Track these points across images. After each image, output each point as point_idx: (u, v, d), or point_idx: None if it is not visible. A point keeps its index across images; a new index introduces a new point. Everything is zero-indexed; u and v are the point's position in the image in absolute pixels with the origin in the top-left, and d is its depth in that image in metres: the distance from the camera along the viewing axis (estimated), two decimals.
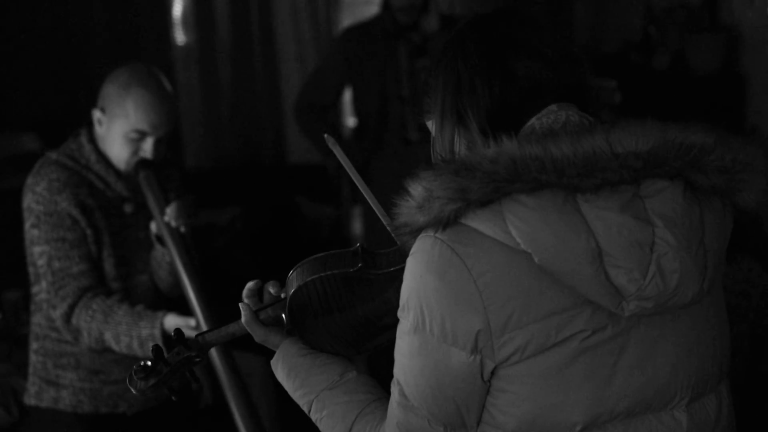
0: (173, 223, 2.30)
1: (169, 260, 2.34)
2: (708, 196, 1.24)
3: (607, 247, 1.18)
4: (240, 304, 1.50)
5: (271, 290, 1.52)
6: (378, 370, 2.56)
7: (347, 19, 5.03)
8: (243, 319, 1.49)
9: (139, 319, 2.26)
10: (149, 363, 1.54)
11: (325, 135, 1.50)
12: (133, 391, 1.53)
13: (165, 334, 2.24)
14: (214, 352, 2.14)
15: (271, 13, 4.92)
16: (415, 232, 1.24)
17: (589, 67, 1.34)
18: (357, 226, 5.02)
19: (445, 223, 1.21)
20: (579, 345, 1.21)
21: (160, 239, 2.34)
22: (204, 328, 1.51)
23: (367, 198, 1.52)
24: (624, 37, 4.42)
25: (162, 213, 2.31)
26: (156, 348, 1.54)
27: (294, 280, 1.46)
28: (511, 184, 1.17)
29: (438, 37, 3.53)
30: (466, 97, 1.27)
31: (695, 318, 1.28)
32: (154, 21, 4.81)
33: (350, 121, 4.33)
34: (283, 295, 1.50)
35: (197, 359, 1.53)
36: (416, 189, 1.22)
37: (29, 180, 2.34)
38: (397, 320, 1.30)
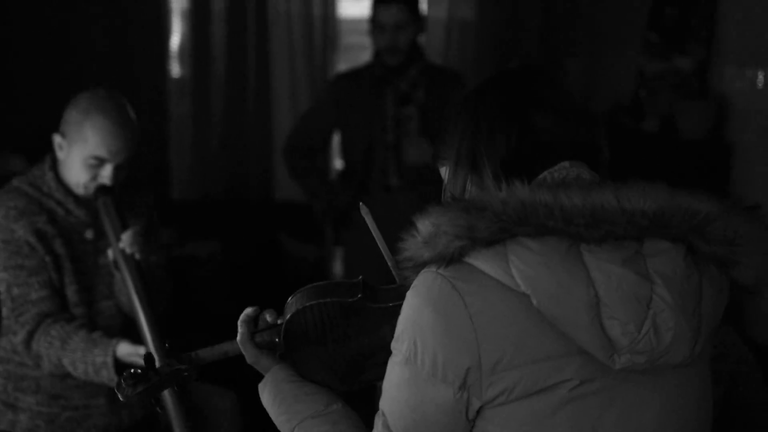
0: (128, 250, 2.29)
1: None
2: (707, 264, 1.26)
3: (605, 297, 1.20)
4: (238, 323, 1.53)
5: (268, 317, 1.55)
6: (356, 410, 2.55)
7: (343, 61, 5.07)
8: (239, 338, 1.52)
9: (93, 346, 2.25)
10: (139, 371, 1.55)
11: (360, 204, 1.54)
12: (120, 397, 1.54)
13: (118, 362, 2.24)
14: (166, 394, 2.13)
15: (267, 50, 4.96)
16: (419, 266, 1.27)
17: (602, 128, 1.38)
18: (339, 267, 5.02)
19: (449, 259, 1.23)
20: (566, 394, 1.22)
21: (117, 265, 2.33)
22: (154, 356, 1.53)
23: (387, 260, 1.53)
24: (615, 99, 4.48)
25: (118, 239, 2.30)
26: (148, 356, 1.55)
27: (293, 304, 1.48)
28: (518, 227, 1.20)
29: (424, 86, 3.58)
30: (484, 144, 1.31)
31: (682, 381, 1.29)
32: (150, 52, 4.84)
33: (338, 164, 4.36)
34: (279, 322, 1.52)
35: (186, 373, 1.55)
36: (424, 224, 1.25)
37: None
38: (387, 358, 1.31)
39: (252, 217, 4.92)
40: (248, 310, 1.54)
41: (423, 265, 1.26)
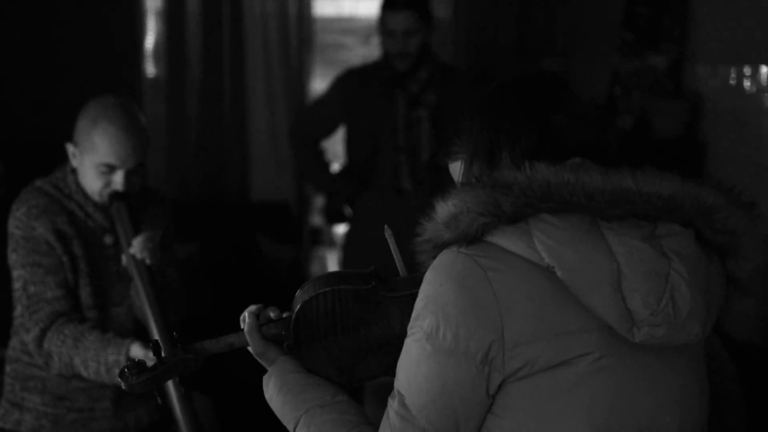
0: (138, 255, 2.31)
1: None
2: (711, 252, 1.32)
3: (627, 270, 1.25)
4: (245, 313, 1.53)
5: (272, 314, 1.55)
6: None
7: (319, 62, 5.07)
8: (246, 329, 1.52)
9: (107, 345, 2.26)
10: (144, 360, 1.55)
11: (385, 226, 1.54)
12: (123, 386, 1.53)
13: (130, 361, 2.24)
14: (174, 399, 2.13)
15: (243, 51, 4.95)
16: (439, 248, 1.31)
17: (608, 128, 1.43)
18: (317, 268, 5.02)
19: (471, 239, 1.27)
20: (587, 367, 1.26)
21: (129, 270, 2.36)
22: (160, 344, 1.54)
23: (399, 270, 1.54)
24: (590, 97, 4.50)
25: (129, 245, 2.33)
26: (155, 343, 1.54)
27: (304, 294, 1.49)
28: (543, 203, 1.25)
29: (434, 88, 3.57)
30: (504, 138, 1.36)
31: (693, 360, 1.35)
32: (126, 52, 4.82)
33: (339, 160, 4.35)
34: (285, 315, 1.52)
35: (192, 364, 1.54)
36: (445, 207, 1.29)
37: (13, 205, 2.39)
38: (393, 354, 1.35)
39: (228, 218, 4.91)
40: (252, 307, 1.54)
41: (443, 246, 1.30)
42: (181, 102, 4.93)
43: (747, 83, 3.52)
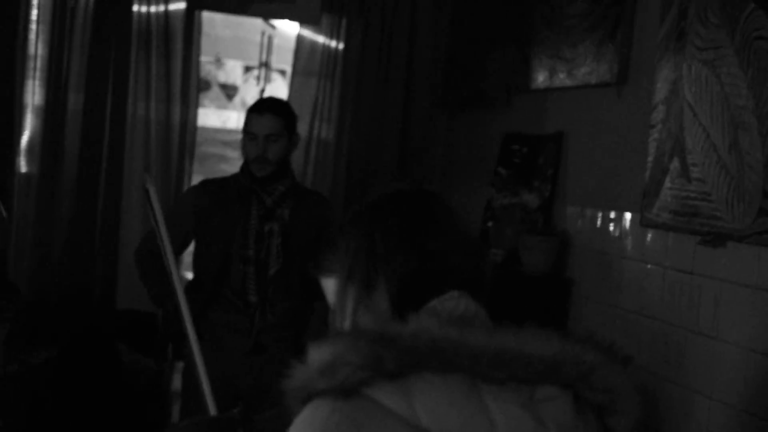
0: None
1: None
2: (586, 412, 1.28)
3: None
4: None
5: None
6: None
7: (200, 171, 5.05)
8: None
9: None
10: None
11: (146, 176, 1.46)
12: None
13: None
14: None
15: (122, 153, 4.89)
16: (310, 397, 1.21)
17: (486, 258, 1.40)
18: (177, 383, 4.88)
19: (348, 391, 1.19)
20: None
21: None
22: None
23: None
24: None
25: None
26: None
27: None
28: (427, 362, 1.19)
29: (289, 203, 3.58)
30: (381, 265, 1.31)
31: None
32: (0, 148, 4.70)
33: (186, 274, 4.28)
34: None
35: None
36: (320, 352, 1.20)
37: None
38: None
39: (91, 324, 4.75)
40: None
41: (315, 395, 1.21)
42: (54, 200, 4.81)
43: (611, 227, 3.67)
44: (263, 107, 3.57)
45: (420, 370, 1.19)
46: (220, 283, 3.57)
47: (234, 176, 3.68)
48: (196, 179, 4.80)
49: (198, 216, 3.60)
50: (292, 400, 1.23)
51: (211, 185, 3.69)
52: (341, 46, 5.09)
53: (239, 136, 3.72)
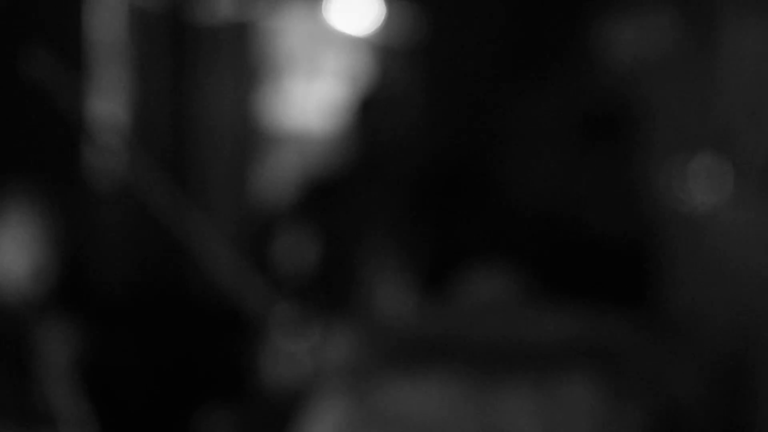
0: None
1: None
2: (612, 399, 1.23)
3: None
4: None
5: None
6: None
7: None
8: None
9: None
10: None
11: None
12: None
13: None
14: None
15: None
16: (322, 395, 1.21)
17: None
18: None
19: (359, 389, 1.19)
20: None
21: None
22: None
23: None
24: None
25: None
26: None
27: None
28: (435, 357, 1.18)
29: None
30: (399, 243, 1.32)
31: None
32: None
33: None
34: None
35: None
36: (332, 351, 1.29)
37: None
38: None
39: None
40: None
41: (326, 394, 1.21)
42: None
43: None
44: None
45: (429, 365, 1.18)
46: None
47: None
48: None
49: None
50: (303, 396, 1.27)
51: None
52: None
53: None
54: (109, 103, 4.82)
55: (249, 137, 4.95)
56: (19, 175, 3.66)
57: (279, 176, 4.24)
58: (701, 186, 3.53)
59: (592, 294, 1.38)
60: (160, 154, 4.88)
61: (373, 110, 3.64)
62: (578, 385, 1.21)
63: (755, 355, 3.16)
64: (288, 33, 4.82)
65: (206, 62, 4.92)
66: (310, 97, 4.50)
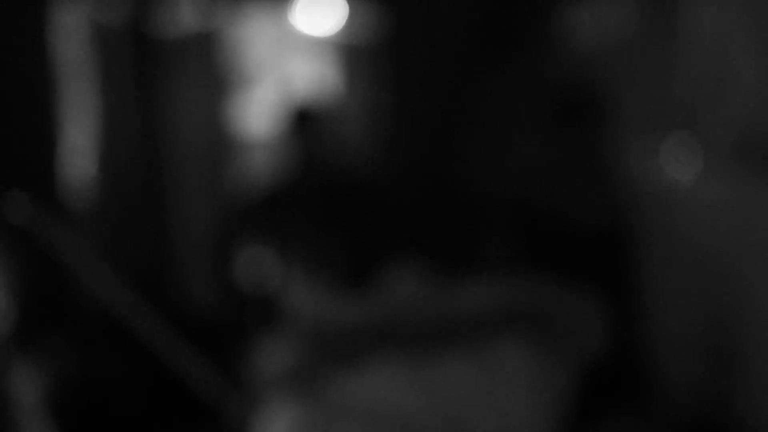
0: None
1: None
2: (545, 355, 1.29)
3: None
4: None
5: None
6: None
7: None
8: None
9: None
10: None
11: None
12: None
13: None
14: None
15: None
16: (272, 399, 1.23)
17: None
18: None
19: (305, 390, 1.21)
20: None
21: None
22: None
23: None
24: None
25: None
26: None
27: None
28: (371, 349, 1.21)
29: None
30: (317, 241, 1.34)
31: None
32: None
33: None
34: None
35: None
36: (273, 354, 1.23)
37: None
38: None
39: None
40: None
41: (275, 397, 1.22)
42: None
43: None
44: None
45: (369, 355, 1.20)
46: None
47: None
48: None
49: None
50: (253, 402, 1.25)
51: None
52: None
53: None
54: (78, 121, 4.81)
55: (218, 146, 4.96)
56: None
57: (249, 184, 4.25)
58: (671, 165, 3.57)
59: (569, 276, 1.39)
60: (130, 167, 4.88)
61: (308, 120, 3.70)
62: (510, 348, 1.25)
63: (730, 330, 3.19)
64: (253, 40, 4.83)
65: (171, 73, 4.92)
66: (277, 103, 4.52)
